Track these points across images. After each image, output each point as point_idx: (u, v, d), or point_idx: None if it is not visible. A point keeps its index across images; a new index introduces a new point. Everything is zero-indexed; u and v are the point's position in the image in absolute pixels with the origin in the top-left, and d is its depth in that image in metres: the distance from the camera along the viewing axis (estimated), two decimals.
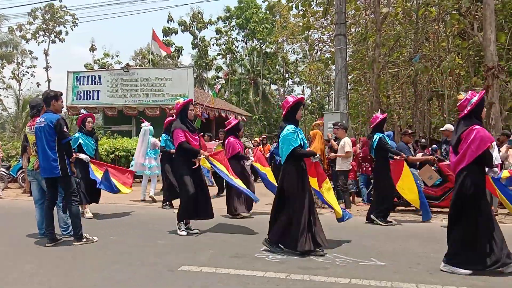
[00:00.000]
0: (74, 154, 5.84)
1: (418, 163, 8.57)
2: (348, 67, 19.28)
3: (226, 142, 7.80)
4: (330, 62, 16.55)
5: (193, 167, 6.01)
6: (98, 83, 17.30)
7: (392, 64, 17.39)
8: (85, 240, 5.51)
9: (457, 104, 4.61)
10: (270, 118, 38.38)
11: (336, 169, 8.62)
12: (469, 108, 4.41)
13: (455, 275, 4.20)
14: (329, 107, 34.58)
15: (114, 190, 7.51)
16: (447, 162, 8.26)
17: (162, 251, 5.14)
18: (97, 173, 7.32)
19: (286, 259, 4.77)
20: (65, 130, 5.30)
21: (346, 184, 8.69)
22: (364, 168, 10.02)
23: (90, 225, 6.60)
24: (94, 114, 19.24)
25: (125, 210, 7.89)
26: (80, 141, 7.37)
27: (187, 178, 5.92)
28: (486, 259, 4.20)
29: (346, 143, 8.41)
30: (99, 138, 8.71)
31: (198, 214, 6.12)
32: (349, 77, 21.72)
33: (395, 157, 7.31)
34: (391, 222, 7.13)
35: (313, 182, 5.46)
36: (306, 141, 5.32)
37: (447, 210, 8.34)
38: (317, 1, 15.29)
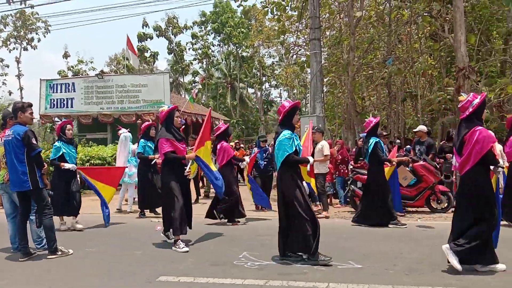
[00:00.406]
0: (44, 166, 5.71)
1: None
2: (324, 70, 19.50)
3: (218, 147, 7.73)
4: (305, 65, 16.69)
5: (185, 174, 5.92)
6: (72, 91, 17.00)
7: (366, 67, 17.65)
8: (60, 253, 5.38)
9: (459, 106, 4.68)
10: (248, 122, 38.44)
11: (314, 172, 8.67)
12: (471, 109, 4.48)
13: (430, 275, 4.27)
14: (306, 110, 34.85)
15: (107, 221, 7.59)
16: (421, 162, 8.42)
17: (140, 262, 5.07)
18: (99, 188, 7.46)
19: (265, 266, 4.77)
20: (34, 142, 5.15)
21: (324, 187, 8.75)
22: (342, 171, 10.13)
23: (65, 237, 6.46)
24: None
25: (102, 221, 7.72)
26: (63, 150, 7.01)
27: (175, 190, 5.71)
28: (494, 256, 4.39)
29: (324, 146, 8.47)
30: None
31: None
32: (325, 80, 22.01)
33: (387, 164, 7.41)
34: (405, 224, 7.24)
35: (304, 171, 5.67)
36: (301, 147, 5.27)
37: (422, 209, 8.56)
38: (292, 6, 15.44)
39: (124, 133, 9.34)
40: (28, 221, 5.50)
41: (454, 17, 12.26)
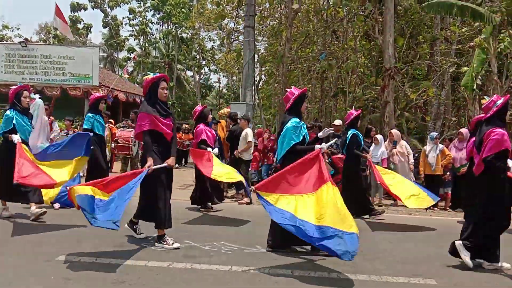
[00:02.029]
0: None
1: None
2: (261, 59, 19.70)
3: (195, 129, 7.51)
4: (242, 52, 16.72)
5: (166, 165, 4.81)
6: None
7: (304, 60, 18.00)
8: None
9: (482, 107, 4.73)
10: (185, 105, 37.80)
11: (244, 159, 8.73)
12: (494, 109, 4.54)
13: (331, 261, 4.45)
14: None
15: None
16: (340, 155, 8.78)
17: (42, 241, 4.88)
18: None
19: (172, 249, 4.73)
20: None
21: (247, 173, 8.87)
22: (272, 158, 10.29)
23: None
24: None
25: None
26: (15, 120, 5.81)
27: (161, 176, 4.78)
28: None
29: (248, 133, 8.58)
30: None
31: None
32: (263, 70, 22.19)
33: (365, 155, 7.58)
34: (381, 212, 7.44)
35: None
36: (308, 136, 5.12)
37: None
38: None
39: (38, 98, 8.41)
40: None
41: (384, 19, 12.83)
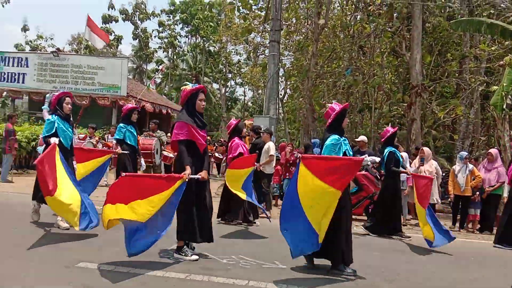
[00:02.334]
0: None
1: None
2: (287, 73, 19.76)
3: (231, 145, 7.42)
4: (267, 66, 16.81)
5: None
6: (25, 66, 16.44)
7: (330, 74, 17.96)
8: None
9: None
10: (211, 117, 38.16)
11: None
12: None
13: (338, 280, 4.39)
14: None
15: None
16: (363, 171, 8.66)
17: (64, 247, 4.95)
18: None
19: (190, 260, 4.73)
20: None
21: (268, 187, 8.83)
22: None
23: None
24: (18, 98, 18.24)
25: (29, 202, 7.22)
26: (57, 125, 5.85)
27: (188, 187, 4.62)
28: None
29: (270, 147, 8.55)
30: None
31: (200, 235, 4.83)
32: (288, 84, 22.22)
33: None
34: (409, 237, 7.19)
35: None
36: (351, 152, 5.01)
37: (361, 218, 8.79)
38: (259, 6, 15.53)
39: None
40: None
41: (412, 36, 12.71)
